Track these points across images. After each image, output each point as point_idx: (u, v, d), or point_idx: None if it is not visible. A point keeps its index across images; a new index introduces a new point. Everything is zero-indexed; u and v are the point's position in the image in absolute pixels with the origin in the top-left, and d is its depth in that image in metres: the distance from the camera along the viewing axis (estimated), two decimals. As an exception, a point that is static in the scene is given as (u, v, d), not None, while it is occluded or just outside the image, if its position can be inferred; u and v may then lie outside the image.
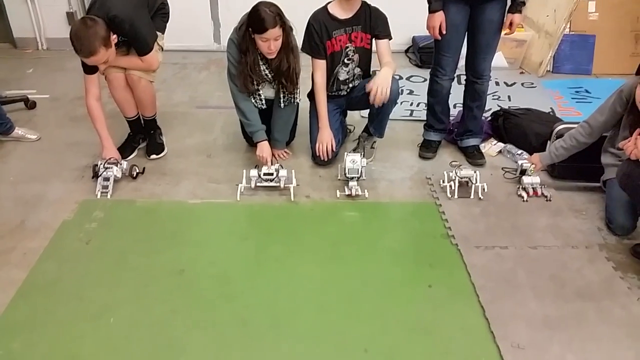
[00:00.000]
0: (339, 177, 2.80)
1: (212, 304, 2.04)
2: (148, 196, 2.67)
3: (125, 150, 2.97)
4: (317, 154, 2.86)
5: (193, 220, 2.52)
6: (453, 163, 2.78)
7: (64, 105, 3.61)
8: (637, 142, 2.05)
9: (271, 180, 2.65)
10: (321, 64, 2.80)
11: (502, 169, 2.89)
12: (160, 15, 2.88)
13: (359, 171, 2.68)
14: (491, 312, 2.00)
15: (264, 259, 2.28)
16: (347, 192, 2.65)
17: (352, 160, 2.66)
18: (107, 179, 2.63)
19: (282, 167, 2.69)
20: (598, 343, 1.89)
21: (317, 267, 2.24)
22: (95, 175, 2.65)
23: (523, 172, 2.74)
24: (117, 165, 2.67)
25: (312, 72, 2.82)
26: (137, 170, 2.78)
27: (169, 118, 3.46)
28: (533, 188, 2.68)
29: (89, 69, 2.64)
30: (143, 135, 3.06)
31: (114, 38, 2.55)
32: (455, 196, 2.65)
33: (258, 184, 2.66)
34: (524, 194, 2.67)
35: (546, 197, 2.66)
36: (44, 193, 2.67)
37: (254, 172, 2.66)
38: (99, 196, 2.60)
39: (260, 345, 1.87)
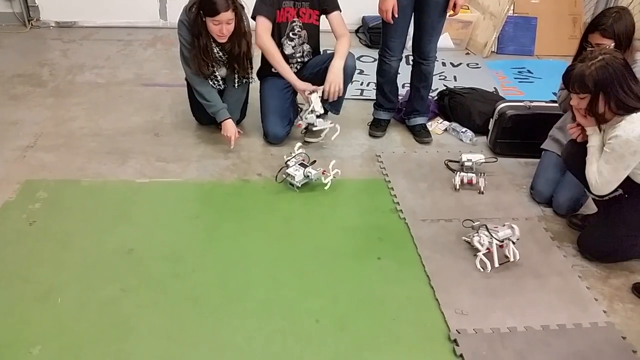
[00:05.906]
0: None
1: (162, 283, 2.02)
2: (93, 176, 2.60)
3: None
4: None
5: (141, 200, 2.48)
6: (474, 224, 2.28)
7: (2, 84, 3.44)
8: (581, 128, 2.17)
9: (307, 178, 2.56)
10: (267, 25, 2.72)
11: (445, 162, 2.83)
12: None
13: (320, 107, 2.71)
14: (436, 281, 2.08)
15: (215, 237, 2.27)
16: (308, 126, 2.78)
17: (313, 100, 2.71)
18: None
19: (287, 166, 2.57)
20: (536, 308, 2.00)
21: (269, 244, 2.26)
22: None
23: (462, 165, 2.72)
24: None
25: (255, 38, 2.73)
26: None
27: (113, 96, 3.37)
28: (468, 179, 2.64)
29: None
30: None
31: None
32: (496, 265, 2.17)
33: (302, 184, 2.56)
34: (457, 183, 2.63)
35: (479, 189, 2.63)
36: (-18, 174, 2.56)
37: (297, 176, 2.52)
38: None
39: (212, 322, 1.88)
